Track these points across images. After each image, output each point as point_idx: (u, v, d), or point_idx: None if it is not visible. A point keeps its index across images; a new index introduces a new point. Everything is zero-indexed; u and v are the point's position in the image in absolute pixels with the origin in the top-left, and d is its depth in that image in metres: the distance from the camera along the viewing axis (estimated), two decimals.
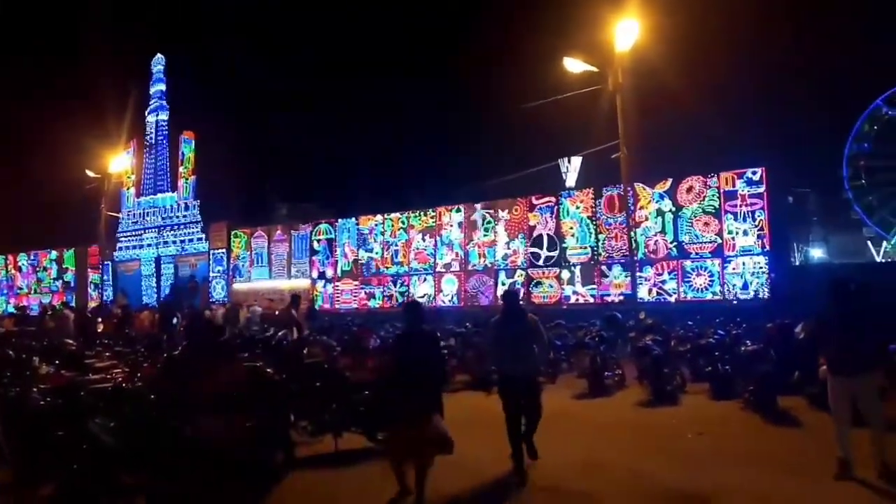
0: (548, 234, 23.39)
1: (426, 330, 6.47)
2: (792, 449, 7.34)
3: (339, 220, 29.09)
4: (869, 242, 36.00)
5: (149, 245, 35.92)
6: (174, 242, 34.77)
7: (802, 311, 13.11)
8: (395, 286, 26.71)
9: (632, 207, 20.97)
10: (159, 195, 36.17)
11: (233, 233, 32.34)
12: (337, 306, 27.86)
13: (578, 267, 22.62)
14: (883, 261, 33.89)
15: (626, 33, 14.33)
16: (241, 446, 5.85)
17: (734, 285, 19.57)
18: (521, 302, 7.34)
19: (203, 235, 33.63)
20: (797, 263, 26.32)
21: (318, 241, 29.26)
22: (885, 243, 35.29)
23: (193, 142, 34.83)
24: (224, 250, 32.58)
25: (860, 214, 36.29)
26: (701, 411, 9.59)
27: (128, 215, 37.17)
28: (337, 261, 28.53)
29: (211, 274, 32.99)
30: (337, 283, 28.38)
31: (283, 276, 30.27)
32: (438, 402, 6.09)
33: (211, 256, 33.14)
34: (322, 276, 28.88)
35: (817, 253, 35.14)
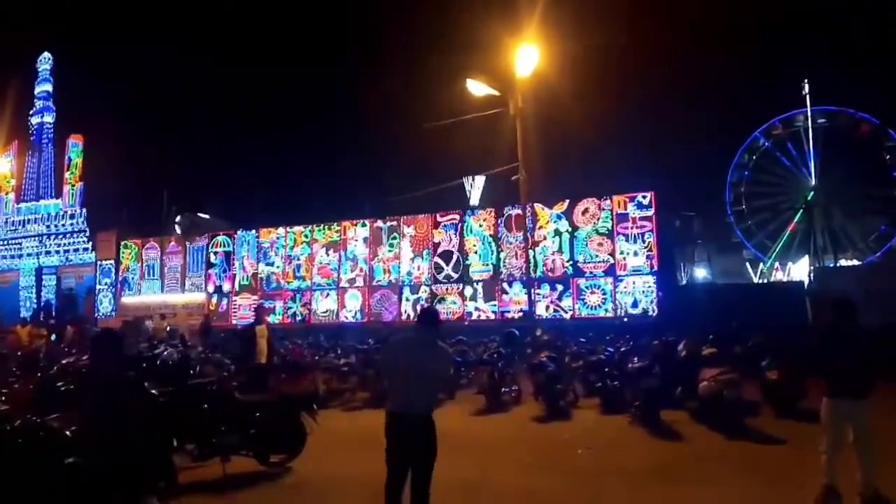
0: (452, 251, 23.66)
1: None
2: (674, 462, 7.72)
3: (239, 233, 28.21)
4: (748, 264, 38.77)
5: (29, 254, 33.37)
6: (57, 252, 32.50)
7: (687, 329, 13.99)
8: (296, 301, 26.11)
9: (531, 227, 21.60)
10: (42, 202, 33.78)
11: (122, 243, 30.60)
12: (234, 321, 26.88)
13: (481, 284, 23.00)
14: (762, 281, 36.56)
15: (526, 59, 14.86)
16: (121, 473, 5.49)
17: (625, 303, 20.52)
18: (439, 323, 5.50)
19: (89, 245, 31.65)
20: (683, 283, 27.91)
21: (216, 253, 28.20)
22: (761, 265, 38.11)
23: (81, 146, 32.78)
24: (112, 262, 30.74)
25: (740, 237, 39.05)
26: (591, 426, 9.94)
27: (5, 222, 34.37)
28: (235, 274, 27.58)
29: (98, 286, 31.01)
30: (234, 298, 27.41)
31: (176, 290, 28.91)
32: None
33: (98, 268, 31.18)
34: (219, 290, 27.81)
35: (701, 273, 37.46)
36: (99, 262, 31.16)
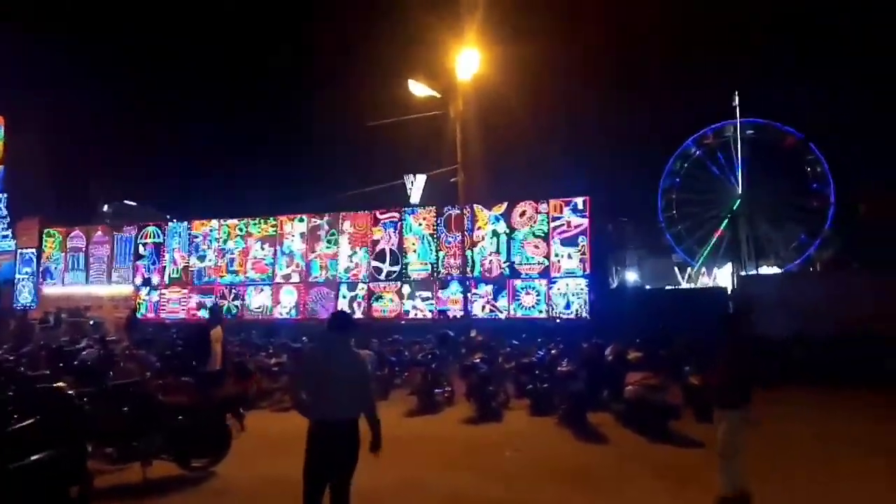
0: (390, 249, 23.60)
1: None
2: (598, 464, 7.95)
3: (170, 224, 27.32)
4: (676, 268, 40.19)
5: None
6: None
7: (616, 332, 14.40)
8: (229, 296, 25.50)
9: (470, 227, 21.78)
10: None
11: (45, 231, 29.16)
12: (163, 316, 26.05)
13: (418, 282, 23.02)
14: (690, 285, 37.90)
15: (467, 63, 14.97)
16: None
17: (558, 304, 20.93)
18: (353, 328, 5.44)
19: (9, 232, 30.05)
20: (614, 286, 28.69)
21: (145, 244, 27.23)
22: (689, 269, 39.56)
23: (3, 128, 31.06)
24: (34, 250, 29.27)
25: (670, 242, 40.45)
26: (520, 427, 10.13)
27: None
28: (165, 267, 26.71)
29: (17, 276, 29.47)
30: (164, 291, 26.55)
31: (102, 281, 27.78)
32: None
33: (18, 256, 29.63)
34: (147, 282, 26.88)
35: (632, 276, 38.61)
36: (19, 251, 29.63)
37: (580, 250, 20.95)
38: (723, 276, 35.30)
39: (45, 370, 9.77)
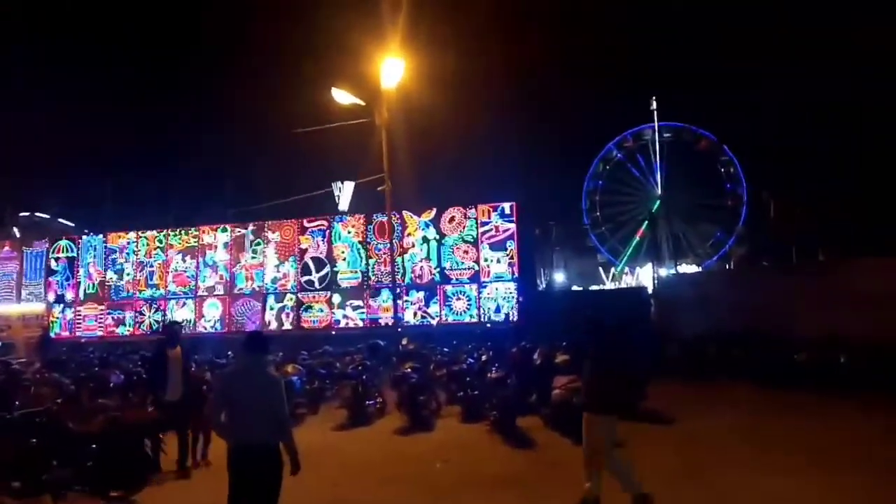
0: (319, 258, 23.27)
1: None
2: (527, 470, 8.05)
3: (84, 237, 26.06)
4: (601, 268, 41.40)
5: None
6: None
7: (544, 334, 14.66)
8: (149, 311, 24.50)
9: (399, 234, 21.74)
10: None
11: None
12: (78, 334, 24.79)
13: (349, 291, 22.80)
14: (614, 284, 39.09)
15: (391, 72, 14.95)
16: None
17: (489, 309, 21.17)
18: (269, 350, 5.50)
19: None
20: (542, 288, 29.25)
21: (57, 259, 25.84)
22: (613, 269, 40.83)
23: None
24: None
25: (594, 243, 41.65)
26: (452, 436, 10.15)
27: None
28: (80, 282, 25.41)
29: None
30: (79, 308, 25.25)
31: (11, 300, 26.17)
32: None
33: None
34: (61, 299, 25.51)
35: (559, 277, 39.50)
36: None
37: (509, 254, 21.27)
38: (645, 275, 36.60)
39: None
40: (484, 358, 13.04)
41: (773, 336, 15.41)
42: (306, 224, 23.63)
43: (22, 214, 34.87)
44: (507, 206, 21.60)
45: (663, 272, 35.64)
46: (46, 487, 6.75)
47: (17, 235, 29.59)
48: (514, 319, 20.78)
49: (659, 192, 43.38)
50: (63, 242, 26.07)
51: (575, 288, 34.98)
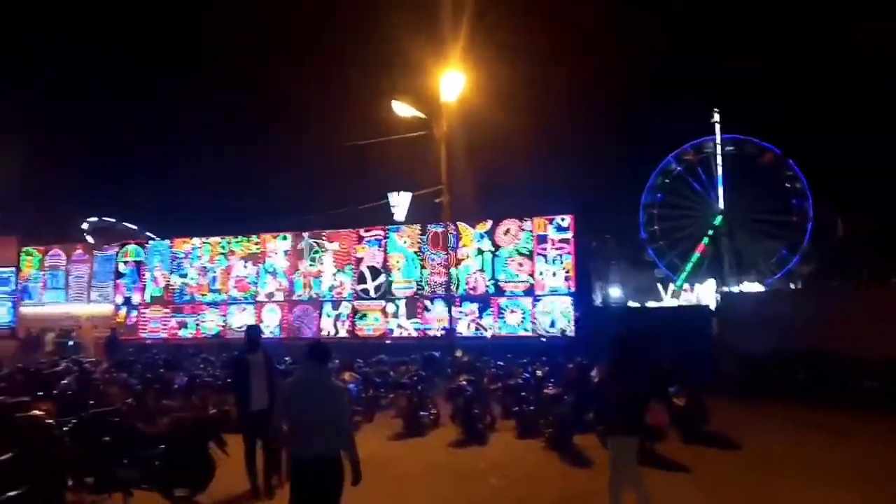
0: (374, 267, 23.51)
1: None
2: (585, 490, 7.91)
3: (151, 242, 27.03)
4: (659, 283, 40.49)
5: None
6: None
7: (601, 350, 14.39)
8: (211, 315, 25.23)
9: (455, 245, 21.78)
10: None
11: (24, 250, 28.67)
12: (143, 335, 25.69)
13: (403, 300, 22.94)
14: (673, 300, 38.12)
15: (452, 85, 15.06)
16: None
17: (543, 323, 20.95)
18: (330, 359, 5.44)
19: None
20: (598, 303, 28.80)
21: (126, 263, 26.88)
22: (671, 284, 39.87)
23: None
24: (12, 269, 28.76)
25: (652, 257, 40.83)
26: (507, 451, 10.07)
27: None
28: (146, 286, 26.38)
29: None
30: (144, 311, 26.20)
31: (82, 301, 27.36)
32: None
33: None
34: (128, 301, 26.52)
35: (615, 292, 38.85)
36: None
37: (564, 268, 21.02)
38: (705, 291, 35.59)
39: (24, 395, 9.54)
40: (539, 373, 12.89)
41: (841, 358, 14.77)
42: (363, 233, 23.93)
43: (92, 219, 36.52)
44: (563, 218, 21.36)
45: (725, 289, 34.63)
46: (117, 485, 7.00)
47: (88, 238, 30.93)
48: (569, 334, 20.48)
49: (720, 206, 42.27)
50: (131, 247, 27.12)
51: (631, 304, 34.31)
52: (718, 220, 42.05)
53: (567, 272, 20.98)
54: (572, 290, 20.90)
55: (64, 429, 6.96)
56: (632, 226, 40.92)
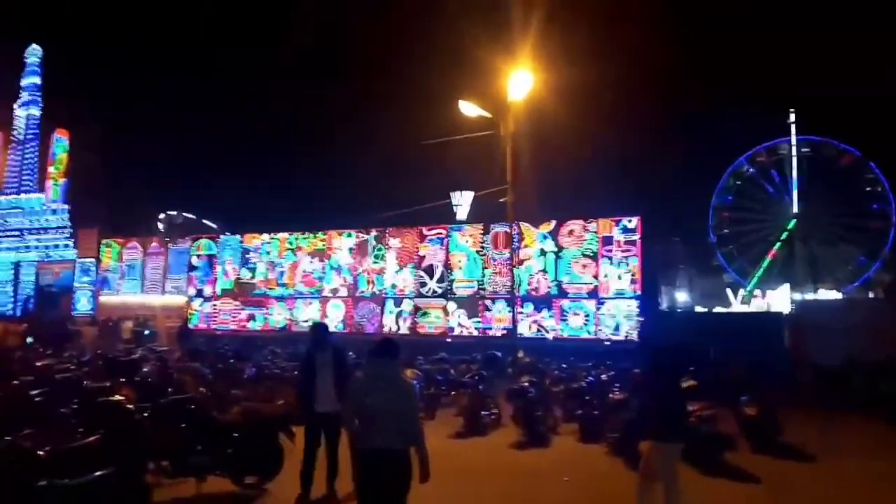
0: (437, 265, 23.65)
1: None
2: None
3: (222, 237, 28.01)
4: (728, 289, 39.15)
5: (8, 248, 32.83)
6: (37, 248, 32.05)
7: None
8: (278, 308, 25.93)
9: (517, 245, 21.67)
10: (24, 195, 33.34)
11: (104, 242, 30.23)
12: (213, 326, 26.64)
13: (464, 299, 22.99)
14: (743, 306, 36.83)
15: (519, 84, 14.98)
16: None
17: (607, 326, 20.60)
18: (399, 355, 5.34)
19: (71, 242, 31.24)
20: (664, 307, 28.12)
21: (198, 256, 27.95)
22: (741, 290, 38.49)
23: (67, 141, 32.44)
24: (93, 260, 30.36)
25: (721, 262, 39.49)
26: (569, 454, 9.94)
27: None
28: (217, 278, 27.33)
29: (76, 284, 30.59)
30: (215, 303, 27.15)
31: (156, 291, 28.62)
32: None
33: (78, 265, 30.77)
34: (200, 293, 27.55)
35: (682, 297, 37.76)
36: (79, 260, 30.76)
37: (630, 271, 20.62)
38: (777, 298, 34.22)
39: (105, 381, 10.02)
40: (604, 377, 12.68)
41: None
42: (425, 232, 24.13)
43: (169, 213, 38.03)
44: (630, 220, 20.96)
45: (798, 296, 33.21)
46: (191, 470, 7.27)
47: (162, 230, 32.19)
48: (634, 339, 20.07)
49: (794, 210, 40.54)
50: (204, 241, 28.18)
51: (699, 309, 33.29)
52: (792, 223, 40.33)
53: (633, 275, 20.58)
54: (638, 293, 20.48)
55: (144, 414, 7.27)
56: (700, 228, 39.73)
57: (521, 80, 14.86)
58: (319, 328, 8.01)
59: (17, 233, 32.60)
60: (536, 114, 18.62)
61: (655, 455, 6.28)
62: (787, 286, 35.55)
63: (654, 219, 23.57)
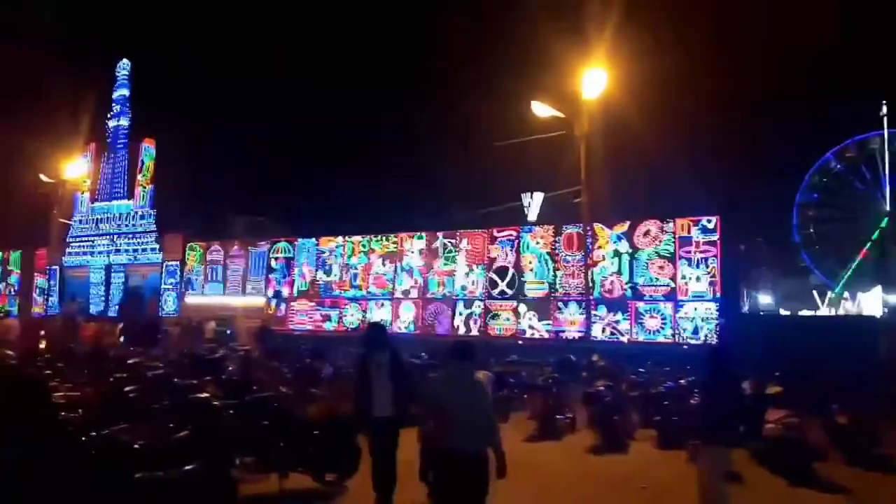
0: (507, 267, 23.56)
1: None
2: None
3: (299, 240, 28.79)
4: (815, 291, 37.26)
5: (100, 252, 34.88)
6: (126, 251, 33.86)
7: (748, 361, 13.49)
8: (352, 310, 26.46)
9: (590, 247, 21.29)
10: (115, 202, 35.26)
11: (188, 245, 31.67)
12: (291, 327, 27.43)
13: (535, 301, 22.80)
14: (830, 310, 35.00)
15: (594, 82, 14.75)
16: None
17: (685, 329, 19.97)
18: (475, 357, 5.54)
19: (157, 246, 32.86)
20: (745, 310, 27.05)
21: (276, 259, 28.86)
22: (829, 293, 36.55)
23: (154, 149, 34.17)
24: (178, 262, 31.85)
25: (807, 263, 37.59)
26: (648, 461, 9.71)
27: (81, 220, 36.08)
28: (294, 280, 28.16)
29: (162, 286, 32.18)
30: (292, 304, 27.97)
31: (237, 293, 29.72)
32: None
33: (164, 268, 32.35)
34: (278, 295, 28.45)
35: (765, 299, 36.18)
36: (165, 263, 32.32)
37: (709, 272, 19.91)
38: (869, 301, 32.28)
39: (192, 379, 10.48)
40: (683, 382, 12.30)
41: None
42: (496, 233, 24.06)
43: (252, 217, 39.34)
44: (709, 219, 20.22)
45: (892, 298, 31.27)
46: (274, 466, 7.51)
47: (244, 236, 33.32)
48: (714, 343, 19.35)
49: (887, 207, 38.16)
50: (282, 244, 29.07)
51: (783, 312, 31.78)
52: (885, 222, 37.96)
53: (712, 276, 19.87)
54: (718, 295, 19.76)
55: (230, 411, 7.56)
56: (784, 228, 37.95)
57: (595, 77, 14.65)
58: (375, 329, 7.80)
59: (108, 237, 34.58)
60: (611, 112, 18.26)
61: (701, 457, 6.15)
62: (878, 288, 33.48)
63: (735, 219, 22.61)
